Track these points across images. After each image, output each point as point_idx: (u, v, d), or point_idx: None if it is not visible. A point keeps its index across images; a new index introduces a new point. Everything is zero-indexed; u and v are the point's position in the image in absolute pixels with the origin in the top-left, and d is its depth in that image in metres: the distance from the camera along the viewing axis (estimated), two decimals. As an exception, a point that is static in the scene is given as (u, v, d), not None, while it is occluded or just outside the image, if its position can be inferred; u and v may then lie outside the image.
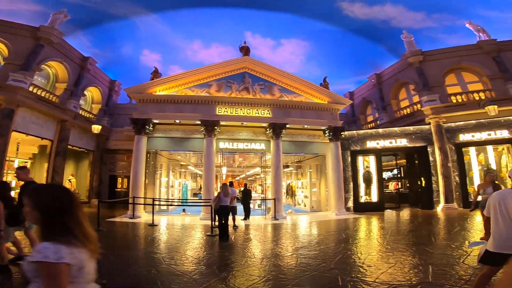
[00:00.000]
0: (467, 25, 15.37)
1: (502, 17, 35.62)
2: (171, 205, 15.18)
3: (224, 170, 17.24)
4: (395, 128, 14.32)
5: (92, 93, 18.03)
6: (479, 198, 6.18)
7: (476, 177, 12.70)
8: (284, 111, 13.31)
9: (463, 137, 12.94)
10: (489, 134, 12.58)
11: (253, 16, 36.13)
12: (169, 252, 6.21)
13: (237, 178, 26.79)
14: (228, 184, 9.05)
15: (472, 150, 12.97)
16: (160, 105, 12.66)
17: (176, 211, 14.83)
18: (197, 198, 18.92)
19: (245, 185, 12.97)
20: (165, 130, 12.94)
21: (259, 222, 11.25)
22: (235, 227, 9.57)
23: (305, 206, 16.22)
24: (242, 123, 13.07)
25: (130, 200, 11.61)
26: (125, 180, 17.15)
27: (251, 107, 13.03)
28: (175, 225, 10.30)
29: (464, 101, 13.41)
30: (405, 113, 15.70)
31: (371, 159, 14.26)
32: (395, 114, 16.55)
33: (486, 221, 3.29)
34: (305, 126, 13.60)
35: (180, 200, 16.97)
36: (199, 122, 12.50)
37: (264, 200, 14.23)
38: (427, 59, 14.89)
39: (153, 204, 10.75)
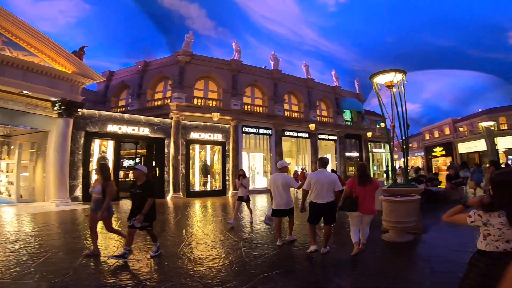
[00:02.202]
0: (233, 44, 18.34)
1: (257, 46, 47.50)
2: None
3: None
4: (141, 117, 14.27)
5: None
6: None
7: (197, 170, 15.32)
8: (-6, 67, 9.33)
9: (193, 135, 15.01)
10: (210, 136, 15.52)
11: None
12: None
13: None
14: None
15: (197, 147, 15.35)
16: None
17: None
18: None
19: None
20: None
21: None
22: None
23: (10, 195, 12.30)
24: None
25: None
26: None
27: None
28: None
29: (202, 105, 15.88)
30: (156, 104, 16.23)
31: (110, 143, 13.32)
32: (147, 103, 16.75)
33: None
34: (26, 92, 10.34)
35: None
36: None
37: None
38: (192, 62, 16.19)
39: None
